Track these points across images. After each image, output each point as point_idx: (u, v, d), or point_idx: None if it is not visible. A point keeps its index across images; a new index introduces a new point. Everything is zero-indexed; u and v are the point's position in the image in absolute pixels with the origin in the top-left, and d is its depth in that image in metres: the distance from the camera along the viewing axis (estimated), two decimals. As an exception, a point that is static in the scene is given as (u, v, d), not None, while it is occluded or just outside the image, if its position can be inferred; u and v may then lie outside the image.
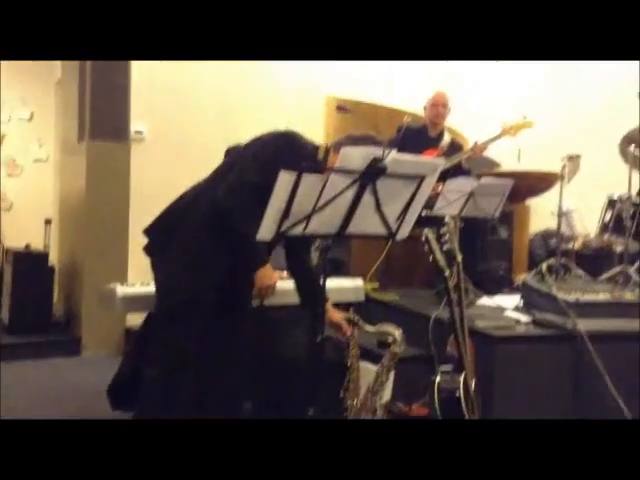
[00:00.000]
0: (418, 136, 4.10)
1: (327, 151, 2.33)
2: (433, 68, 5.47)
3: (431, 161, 1.96)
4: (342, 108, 2.15)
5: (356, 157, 1.77)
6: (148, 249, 2.56)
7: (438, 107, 4.11)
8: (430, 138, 4.15)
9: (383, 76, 5.48)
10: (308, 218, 1.78)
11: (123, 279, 4.26)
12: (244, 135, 4.14)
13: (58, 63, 5.66)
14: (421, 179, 1.89)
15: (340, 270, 3.63)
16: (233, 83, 5.06)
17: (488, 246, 4.06)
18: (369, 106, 4.78)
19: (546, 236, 4.98)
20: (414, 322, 3.14)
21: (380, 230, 1.95)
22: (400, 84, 5.49)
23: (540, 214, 5.02)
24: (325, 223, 1.84)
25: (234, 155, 2.51)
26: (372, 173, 1.79)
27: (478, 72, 5.71)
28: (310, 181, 1.72)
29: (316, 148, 2.37)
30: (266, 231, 1.75)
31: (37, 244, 4.82)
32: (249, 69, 5.09)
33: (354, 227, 1.89)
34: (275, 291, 2.41)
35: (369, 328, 2.35)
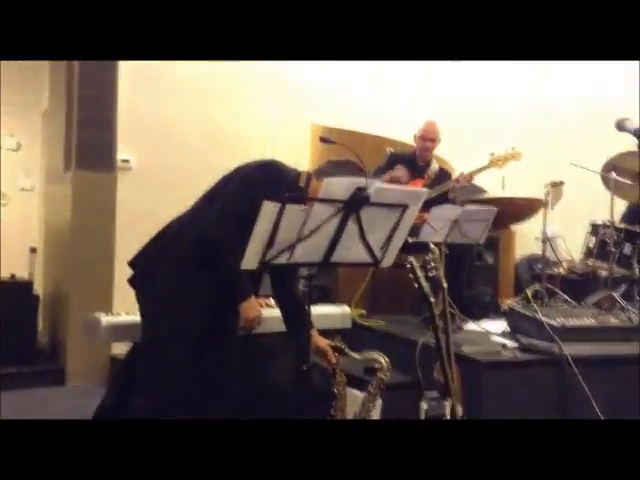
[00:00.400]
0: (405, 164, 4.14)
1: (309, 178, 2.36)
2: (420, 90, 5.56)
3: (414, 190, 1.99)
4: (326, 140, 2.18)
5: (339, 187, 1.79)
6: (133, 281, 2.55)
7: (427, 141, 4.13)
8: (417, 167, 4.18)
9: (369, 103, 5.53)
10: (292, 247, 1.79)
11: (108, 308, 4.23)
12: (230, 164, 4.17)
13: (45, 94, 5.70)
14: (404, 208, 1.91)
15: (327, 297, 3.64)
16: (218, 112, 5.09)
17: (474, 272, 4.09)
18: (355, 135, 4.81)
19: (531, 261, 5.02)
20: (401, 348, 3.14)
21: (365, 258, 1.97)
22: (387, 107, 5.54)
23: (525, 239, 5.07)
24: (310, 252, 1.85)
25: (219, 184, 2.52)
26: (356, 202, 1.81)
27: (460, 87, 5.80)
28: (294, 211, 1.74)
29: (298, 175, 2.40)
30: (250, 260, 1.76)
31: (22, 273, 4.79)
32: (234, 98, 5.13)
33: (339, 255, 1.91)
34: (261, 321, 2.41)
35: (355, 355, 2.35)
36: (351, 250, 1.93)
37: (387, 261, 2.01)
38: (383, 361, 2.32)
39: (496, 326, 3.41)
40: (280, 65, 5.20)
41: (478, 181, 4.57)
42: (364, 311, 4.08)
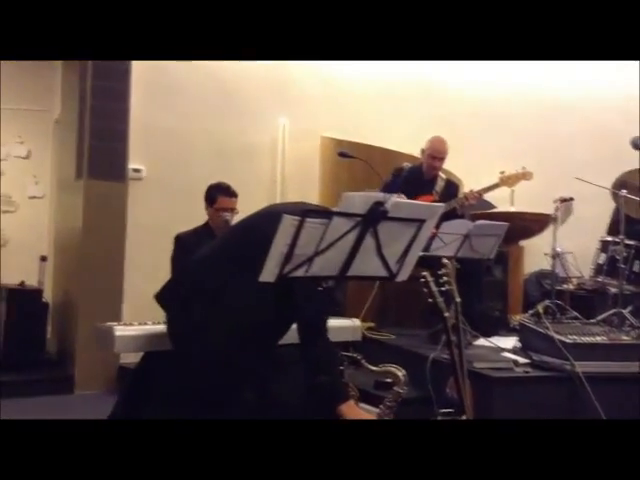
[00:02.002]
0: (412, 178, 4.11)
1: None
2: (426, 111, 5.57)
3: (431, 206, 1.99)
4: (344, 154, 2.18)
5: (358, 201, 1.80)
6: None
7: (435, 160, 4.09)
8: (424, 181, 4.15)
9: (376, 116, 5.54)
10: (310, 261, 1.80)
11: (117, 317, 4.25)
12: (239, 175, 4.18)
13: (56, 102, 5.74)
14: (421, 223, 1.91)
15: (337, 310, 3.63)
16: (228, 124, 5.12)
17: (483, 287, 4.08)
18: (364, 147, 4.83)
19: (540, 277, 5.01)
20: (411, 362, 3.12)
21: (381, 272, 1.97)
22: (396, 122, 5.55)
23: (534, 255, 5.06)
24: (327, 265, 1.85)
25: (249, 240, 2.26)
26: (374, 217, 1.81)
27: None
28: (312, 224, 1.75)
29: None
30: (268, 273, 1.76)
31: (31, 281, 4.81)
32: (244, 110, 5.17)
33: (355, 269, 1.90)
34: None
35: (371, 367, 2.33)
36: (367, 264, 1.93)
37: (403, 275, 2.00)
38: (400, 374, 2.30)
39: (506, 342, 3.40)
40: (289, 78, 5.25)
41: (486, 195, 4.58)
42: (373, 324, 4.09)
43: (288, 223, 1.71)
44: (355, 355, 2.37)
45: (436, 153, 4.10)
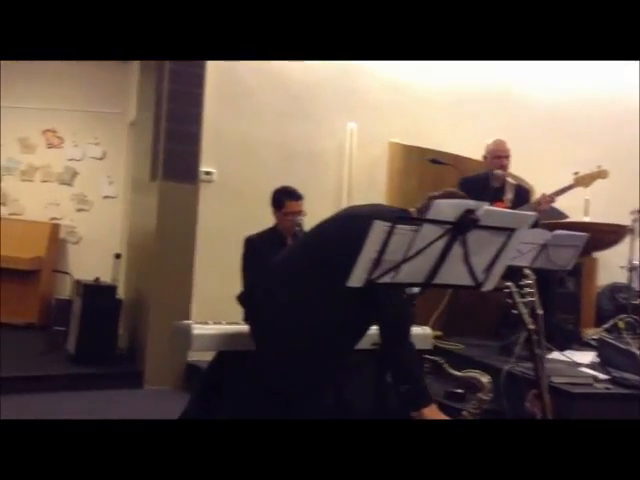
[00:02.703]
0: (480, 187, 4.01)
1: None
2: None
3: (523, 214, 1.95)
4: (437, 161, 2.17)
5: (447, 209, 1.78)
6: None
7: (502, 159, 4.02)
8: (493, 188, 4.05)
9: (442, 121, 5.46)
10: (398, 267, 1.79)
11: (187, 315, 4.34)
12: (307, 180, 4.19)
13: (130, 105, 5.93)
14: (511, 232, 1.88)
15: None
16: (296, 129, 5.16)
17: (556, 299, 3.96)
18: (434, 153, 4.77)
19: (614, 290, 4.85)
20: (482, 374, 3.08)
21: (466, 281, 1.94)
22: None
23: (608, 267, 4.90)
24: (414, 272, 1.84)
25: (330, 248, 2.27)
26: (464, 225, 1.79)
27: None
28: (402, 231, 1.74)
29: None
30: (357, 278, 1.77)
31: (104, 277, 4.95)
32: (312, 115, 5.20)
33: (441, 277, 1.89)
34: None
35: (455, 372, 2.30)
36: (453, 272, 1.90)
37: (489, 285, 1.97)
38: (485, 380, 2.25)
39: (581, 357, 3.29)
40: (357, 83, 5.26)
41: (559, 205, 4.45)
42: (440, 332, 4.03)
43: (379, 229, 1.71)
44: (438, 359, 2.33)
45: (500, 152, 4.04)
